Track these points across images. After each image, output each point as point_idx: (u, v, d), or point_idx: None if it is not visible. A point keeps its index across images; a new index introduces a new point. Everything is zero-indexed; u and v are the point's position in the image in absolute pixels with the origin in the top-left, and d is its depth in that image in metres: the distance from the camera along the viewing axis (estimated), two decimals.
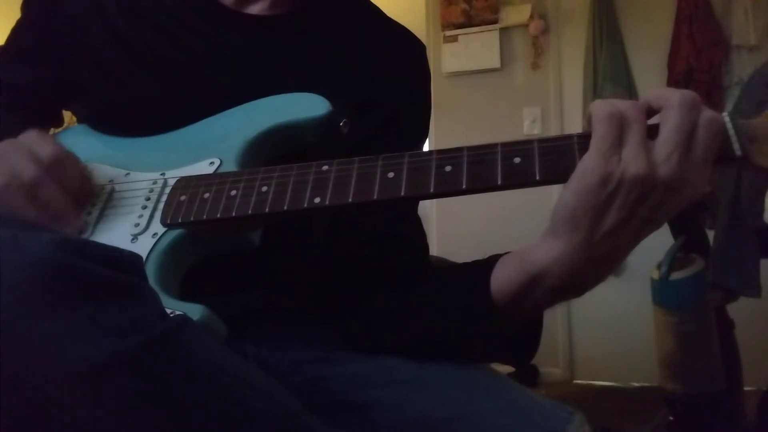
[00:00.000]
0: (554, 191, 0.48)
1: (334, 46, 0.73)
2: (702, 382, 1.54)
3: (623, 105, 0.47)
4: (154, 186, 0.61)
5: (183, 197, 0.58)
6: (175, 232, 0.57)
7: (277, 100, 0.65)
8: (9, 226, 0.38)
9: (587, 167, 0.46)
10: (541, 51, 2.75)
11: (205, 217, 0.56)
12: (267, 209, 0.54)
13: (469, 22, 2.83)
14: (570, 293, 0.52)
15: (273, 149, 0.64)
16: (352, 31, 0.76)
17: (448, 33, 2.88)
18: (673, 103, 0.45)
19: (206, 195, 0.57)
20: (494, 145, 0.50)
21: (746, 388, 1.68)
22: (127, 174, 0.64)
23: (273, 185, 0.55)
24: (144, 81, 0.68)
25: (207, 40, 0.70)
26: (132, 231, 0.58)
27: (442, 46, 2.88)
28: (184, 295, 0.55)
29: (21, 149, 0.57)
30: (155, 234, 0.57)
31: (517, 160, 0.49)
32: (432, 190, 0.50)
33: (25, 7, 0.75)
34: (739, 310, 1.63)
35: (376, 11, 0.80)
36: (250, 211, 0.55)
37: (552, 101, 2.74)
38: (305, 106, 0.63)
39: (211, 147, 0.63)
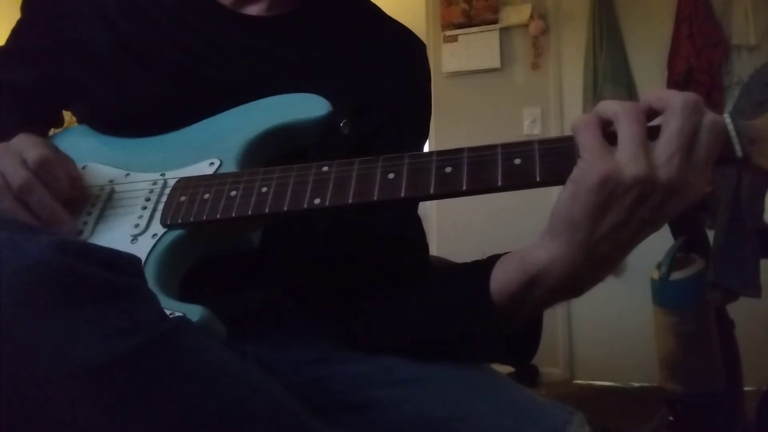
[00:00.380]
0: (554, 192, 0.48)
1: (333, 47, 0.73)
2: (702, 382, 1.54)
3: (624, 106, 0.47)
4: (154, 187, 0.61)
5: (183, 198, 0.58)
6: (175, 233, 0.57)
7: (277, 101, 0.65)
8: (7, 228, 0.38)
9: (586, 167, 0.46)
10: (541, 51, 2.75)
11: (204, 217, 0.56)
12: (267, 210, 0.54)
13: (469, 22, 2.83)
14: (569, 293, 0.52)
15: (273, 150, 0.64)
16: (352, 31, 0.76)
17: (448, 33, 2.88)
18: (675, 106, 0.45)
19: (206, 196, 0.57)
20: (494, 146, 0.50)
21: (746, 388, 1.68)
22: (127, 174, 0.64)
23: (273, 186, 0.55)
24: (144, 81, 0.68)
25: (206, 41, 0.70)
26: (132, 232, 0.58)
27: (442, 46, 2.88)
28: (184, 296, 0.55)
29: (11, 153, 0.57)
30: (155, 235, 0.57)
31: (517, 161, 0.49)
32: (432, 191, 0.50)
33: (25, 8, 0.75)
34: (739, 310, 1.63)
35: (376, 11, 0.80)
36: (249, 212, 0.55)
37: (552, 101, 2.74)
38: (305, 106, 0.63)
39: (210, 147, 0.63)
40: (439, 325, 0.59)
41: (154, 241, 0.57)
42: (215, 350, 0.42)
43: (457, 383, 0.59)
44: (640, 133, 0.46)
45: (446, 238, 2.83)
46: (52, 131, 0.77)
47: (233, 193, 0.56)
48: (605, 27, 2.63)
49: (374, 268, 0.68)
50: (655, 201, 0.46)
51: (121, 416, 0.35)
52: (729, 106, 2.41)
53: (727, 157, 0.46)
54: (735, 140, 0.46)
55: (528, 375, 2.55)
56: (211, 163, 0.61)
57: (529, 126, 2.75)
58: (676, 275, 1.52)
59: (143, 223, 0.58)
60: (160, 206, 0.59)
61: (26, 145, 0.58)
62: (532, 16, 2.74)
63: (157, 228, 0.58)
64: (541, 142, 0.50)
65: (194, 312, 0.49)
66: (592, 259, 0.49)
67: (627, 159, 0.45)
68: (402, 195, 0.51)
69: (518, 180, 0.49)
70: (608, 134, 0.47)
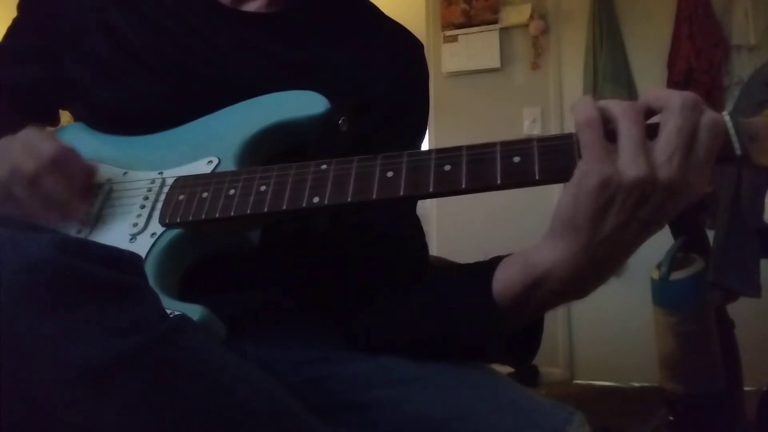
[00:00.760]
0: (555, 191, 0.48)
1: (332, 45, 0.73)
2: (702, 382, 1.54)
3: (624, 107, 0.47)
4: (152, 185, 0.61)
5: (181, 197, 0.58)
6: (174, 232, 0.57)
7: (275, 98, 0.64)
8: (8, 226, 0.38)
9: (586, 169, 0.46)
10: (541, 51, 2.75)
11: (203, 216, 0.56)
12: (266, 209, 0.54)
13: (469, 22, 2.83)
14: (573, 295, 0.52)
15: (271, 147, 0.64)
16: (350, 30, 0.76)
17: (448, 33, 2.87)
18: (674, 105, 0.45)
19: (204, 194, 0.57)
20: (493, 144, 0.50)
21: (746, 388, 1.68)
22: (125, 173, 0.64)
23: (271, 184, 0.55)
24: (141, 79, 0.68)
25: (204, 38, 0.70)
26: (130, 231, 0.58)
27: (442, 46, 2.88)
28: (183, 296, 0.55)
29: (20, 145, 0.58)
30: (154, 234, 0.57)
31: (516, 159, 0.49)
32: (431, 190, 0.50)
33: (22, 6, 0.75)
34: (739, 310, 1.63)
35: (374, 10, 0.80)
36: (248, 211, 0.54)
37: (552, 101, 2.74)
38: (303, 103, 0.63)
39: (209, 145, 0.63)
40: (440, 325, 0.59)
41: (152, 240, 0.57)
42: (216, 350, 0.41)
43: (457, 383, 0.59)
44: (639, 134, 0.45)
45: (446, 238, 2.83)
46: (47, 130, 0.77)
47: (232, 191, 0.56)
48: (605, 27, 2.63)
49: (373, 268, 0.68)
50: (656, 201, 0.46)
51: (122, 415, 0.35)
52: (729, 106, 2.40)
53: (726, 156, 0.46)
54: (734, 138, 0.46)
55: (528, 375, 2.55)
56: (209, 161, 0.61)
57: (529, 126, 2.75)
58: (676, 275, 1.52)
59: (142, 222, 0.58)
60: (159, 205, 0.59)
61: (36, 137, 0.59)
62: (532, 16, 2.74)
63: (156, 227, 0.58)
64: (540, 139, 0.49)
65: (194, 311, 0.48)
66: (595, 261, 0.49)
67: (627, 161, 0.45)
68: (401, 193, 0.51)
69: (517, 178, 0.49)
70: (607, 132, 0.47)
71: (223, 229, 0.59)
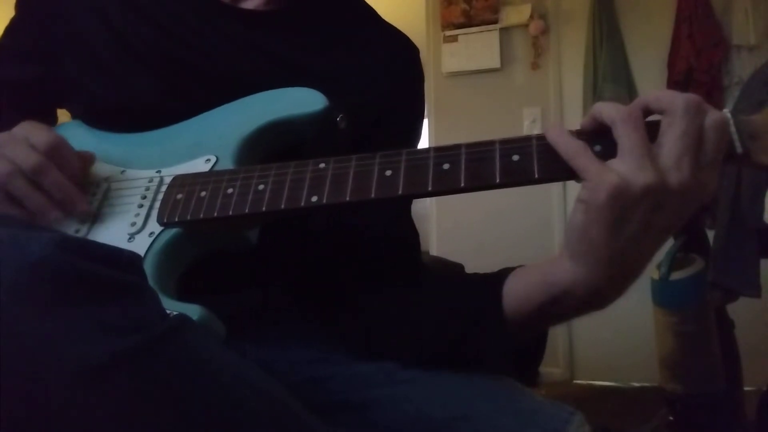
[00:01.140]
0: (554, 190, 0.48)
1: (329, 44, 0.73)
2: (702, 382, 1.54)
3: (621, 113, 0.46)
4: (150, 184, 0.61)
5: (179, 196, 0.58)
6: (172, 231, 0.57)
7: (273, 95, 0.64)
8: (8, 225, 0.38)
9: (593, 186, 0.45)
10: (541, 51, 2.75)
11: (201, 215, 0.56)
12: (264, 208, 0.54)
13: (469, 22, 2.83)
14: (591, 309, 0.52)
15: (269, 145, 0.64)
16: (348, 30, 0.76)
17: (448, 33, 2.87)
18: (677, 109, 0.45)
19: (203, 193, 0.57)
20: (492, 143, 0.50)
21: (746, 388, 1.68)
22: (123, 171, 0.64)
23: (270, 183, 0.55)
24: (139, 76, 0.68)
25: (203, 36, 0.69)
26: (129, 230, 0.58)
27: (442, 46, 2.88)
28: (182, 296, 0.55)
29: (18, 140, 0.57)
30: (152, 233, 0.57)
31: (515, 157, 0.49)
32: (430, 189, 0.50)
33: (20, 5, 0.75)
34: (739, 310, 1.62)
35: (372, 12, 0.80)
36: (246, 210, 0.54)
37: (552, 101, 2.74)
38: (302, 101, 0.62)
39: (207, 144, 0.63)
40: (446, 339, 0.59)
41: (151, 239, 0.57)
42: (215, 349, 0.41)
43: (457, 383, 0.59)
44: (641, 141, 0.45)
45: (446, 237, 2.83)
46: None
47: (230, 190, 0.56)
48: (605, 27, 2.63)
49: (367, 269, 0.67)
50: (670, 206, 0.45)
51: (121, 414, 0.34)
52: (729, 106, 2.40)
53: (727, 154, 0.46)
54: (735, 136, 0.46)
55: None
56: (207, 160, 0.61)
57: (529, 126, 2.75)
58: (676, 275, 1.52)
59: (140, 221, 0.58)
60: (157, 204, 0.59)
61: (32, 131, 0.58)
62: (532, 16, 2.74)
63: (154, 226, 0.57)
64: (540, 138, 0.49)
65: (193, 311, 0.48)
66: (615, 273, 0.48)
67: (633, 169, 0.45)
68: (400, 192, 0.51)
69: (516, 177, 0.49)
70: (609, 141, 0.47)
71: (222, 228, 0.58)
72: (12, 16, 0.75)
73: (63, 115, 0.78)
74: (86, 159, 0.62)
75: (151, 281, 0.52)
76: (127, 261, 0.40)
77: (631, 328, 2.33)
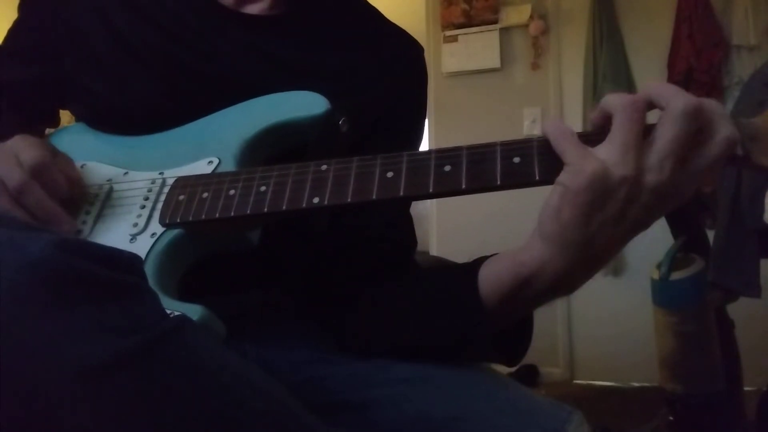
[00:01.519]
0: None
1: (332, 47, 0.73)
2: (702, 382, 1.54)
3: (624, 102, 0.46)
4: (153, 186, 0.61)
5: (181, 197, 0.58)
6: (174, 232, 0.57)
7: (276, 98, 0.64)
8: (8, 227, 0.38)
9: (574, 169, 0.46)
10: (541, 51, 2.75)
11: (203, 216, 0.56)
12: (265, 209, 0.54)
13: (469, 22, 2.83)
14: (561, 292, 0.52)
15: (271, 148, 0.64)
16: (351, 33, 0.76)
17: (448, 33, 2.87)
18: (674, 110, 0.45)
19: (204, 195, 0.57)
20: (493, 145, 0.50)
21: (746, 388, 1.68)
22: (126, 173, 0.64)
23: (271, 185, 0.55)
24: (142, 79, 0.68)
25: (206, 39, 0.70)
26: (130, 231, 0.58)
27: (442, 46, 2.88)
28: (184, 296, 0.55)
29: (7, 155, 0.57)
30: (154, 234, 0.57)
31: (516, 159, 0.49)
32: (431, 190, 0.50)
33: (22, 7, 0.75)
34: (739, 310, 1.62)
35: (375, 13, 0.80)
36: (248, 211, 0.54)
37: (552, 101, 2.74)
38: (304, 104, 0.63)
39: (209, 146, 0.63)
40: (429, 328, 0.60)
41: (153, 240, 0.57)
42: (215, 349, 0.41)
43: (457, 383, 0.59)
44: (633, 133, 0.45)
45: (446, 238, 2.83)
46: (48, 130, 0.77)
47: (232, 192, 0.56)
48: (605, 27, 2.63)
49: (367, 270, 0.68)
50: (645, 203, 0.46)
51: (121, 415, 0.35)
52: (729, 106, 2.40)
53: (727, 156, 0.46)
54: None
55: (528, 375, 2.55)
56: (210, 162, 0.61)
57: (529, 126, 2.75)
58: (676, 275, 1.52)
59: (142, 222, 0.58)
60: (159, 205, 0.59)
61: (22, 147, 0.58)
62: (532, 16, 2.74)
63: (156, 227, 0.58)
64: (540, 139, 0.49)
65: (193, 311, 0.48)
66: (584, 258, 0.49)
67: (615, 160, 0.45)
68: (401, 194, 0.51)
69: (517, 178, 0.49)
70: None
71: (223, 229, 0.59)
72: (13, 16, 0.75)
73: (65, 116, 0.78)
74: (74, 179, 0.61)
75: (152, 282, 0.52)
76: (127, 262, 0.40)
77: (631, 328, 2.33)
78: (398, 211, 0.73)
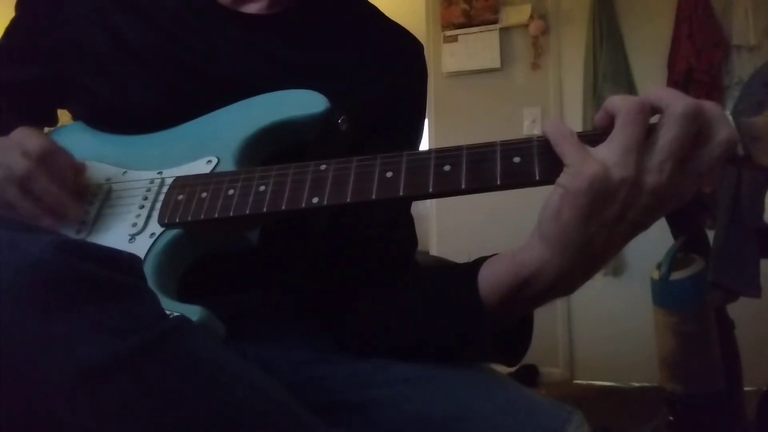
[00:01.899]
0: None
1: (332, 47, 0.73)
2: (702, 382, 1.54)
3: (627, 104, 0.46)
4: (152, 185, 0.61)
5: (180, 197, 0.58)
6: (173, 232, 0.57)
7: (275, 97, 0.64)
8: (7, 228, 0.38)
9: (574, 171, 0.46)
10: (541, 51, 2.75)
11: (202, 216, 0.56)
12: (265, 209, 0.54)
13: (469, 22, 2.83)
14: (560, 293, 0.53)
15: (270, 147, 0.64)
16: (350, 31, 0.76)
17: (448, 33, 2.87)
18: (674, 113, 0.45)
19: (203, 194, 0.57)
20: (493, 144, 0.50)
21: (746, 388, 1.68)
22: (125, 172, 0.64)
23: (270, 185, 0.55)
24: (141, 78, 0.68)
25: (205, 39, 0.70)
26: (129, 231, 0.58)
27: (442, 46, 2.88)
28: (183, 296, 0.55)
29: (11, 145, 0.58)
30: (153, 234, 0.57)
31: (516, 159, 0.49)
32: (431, 190, 0.50)
33: (20, 6, 0.75)
34: (739, 310, 1.62)
35: (375, 11, 0.80)
36: (247, 211, 0.54)
37: (552, 101, 2.74)
38: (303, 102, 0.63)
39: (208, 145, 0.63)
40: (428, 328, 0.60)
41: (152, 240, 0.57)
42: (215, 350, 0.41)
43: (457, 383, 0.59)
44: (634, 135, 0.45)
45: (446, 238, 2.83)
46: (45, 130, 0.77)
47: (231, 192, 0.56)
48: (605, 27, 2.63)
49: (366, 269, 0.68)
50: (643, 204, 0.46)
51: (121, 415, 0.35)
52: (729, 106, 2.40)
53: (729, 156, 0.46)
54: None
55: (528, 375, 2.55)
56: (209, 161, 0.61)
57: (529, 126, 2.75)
58: (676, 275, 1.52)
59: (141, 222, 0.58)
60: (158, 205, 0.59)
61: (26, 137, 0.59)
62: (532, 16, 2.74)
63: (155, 227, 0.57)
64: (540, 140, 0.49)
65: (193, 312, 0.48)
66: (584, 259, 0.49)
67: (615, 162, 0.45)
68: (401, 194, 0.51)
69: (517, 178, 0.49)
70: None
71: (222, 229, 0.59)
72: (12, 16, 0.75)
73: (64, 115, 0.78)
74: (78, 168, 0.62)
75: (151, 282, 0.52)
76: (127, 263, 0.40)
77: (631, 328, 2.33)
78: (399, 211, 0.73)
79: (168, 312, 0.40)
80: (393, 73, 0.74)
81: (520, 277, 0.52)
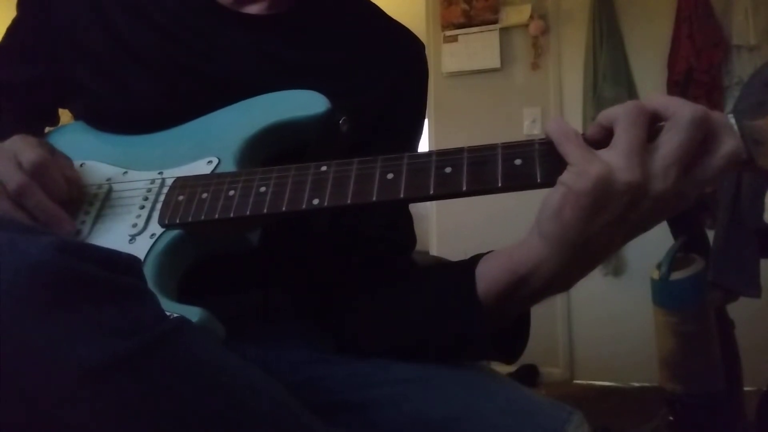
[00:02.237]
0: None
1: (332, 47, 0.73)
2: (702, 382, 1.54)
3: (626, 107, 0.46)
4: (152, 186, 0.61)
5: (181, 197, 0.58)
6: (173, 233, 0.57)
7: (276, 98, 0.64)
8: (7, 229, 0.38)
9: (578, 171, 0.45)
10: (541, 51, 2.75)
11: (203, 217, 0.56)
12: (265, 210, 0.54)
13: (469, 22, 2.83)
14: (556, 290, 0.53)
15: (271, 147, 0.64)
16: (352, 31, 0.76)
17: (448, 33, 2.87)
18: (681, 119, 0.44)
19: (204, 195, 0.57)
20: (494, 146, 0.50)
21: (746, 388, 1.68)
22: (125, 173, 0.64)
23: (271, 186, 0.55)
24: (142, 78, 0.68)
25: (205, 39, 0.70)
26: (130, 232, 0.58)
27: (442, 46, 2.88)
28: (183, 297, 0.55)
29: (6, 156, 0.57)
30: (153, 234, 0.57)
31: (518, 161, 0.49)
32: (431, 192, 0.50)
33: (21, 6, 0.75)
34: (739, 310, 1.62)
35: (376, 10, 0.79)
36: (248, 212, 0.54)
37: (552, 101, 2.74)
38: (304, 103, 0.62)
39: (208, 145, 0.63)
40: (426, 327, 0.60)
41: (152, 241, 0.57)
42: (215, 350, 0.41)
43: (456, 383, 0.59)
44: (638, 138, 0.45)
45: (446, 238, 2.83)
46: (47, 129, 0.77)
47: (231, 192, 0.56)
48: (605, 27, 2.63)
49: (366, 270, 0.68)
50: (646, 208, 0.45)
51: (121, 416, 0.35)
52: (729, 106, 2.41)
53: None
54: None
55: (528, 375, 2.55)
56: (209, 162, 0.61)
57: (529, 126, 2.75)
58: (676, 275, 1.52)
59: (141, 222, 0.58)
60: (158, 205, 0.59)
61: (21, 147, 0.58)
62: (532, 16, 2.74)
63: (155, 228, 0.57)
64: (542, 141, 0.49)
65: (193, 313, 0.48)
66: (582, 258, 0.49)
67: (621, 165, 0.44)
68: (401, 195, 0.51)
69: (518, 181, 0.48)
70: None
71: (223, 230, 0.58)
72: (12, 16, 0.75)
73: (65, 115, 0.78)
74: (72, 179, 0.61)
75: (151, 283, 0.52)
76: (126, 263, 0.40)
77: (631, 328, 2.33)
78: (398, 211, 0.73)
79: (168, 313, 0.40)
80: (394, 72, 0.74)
81: (518, 274, 0.52)
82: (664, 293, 1.55)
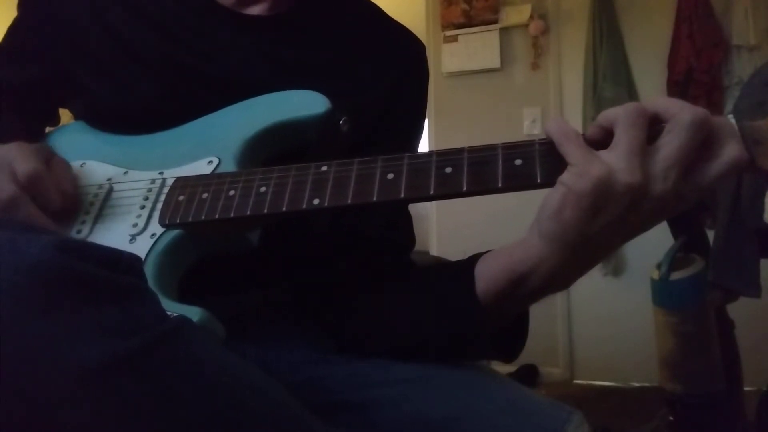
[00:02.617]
0: None
1: (334, 47, 0.73)
2: (702, 382, 1.54)
3: (626, 109, 0.46)
4: (153, 186, 0.61)
5: (181, 197, 0.58)
6: (174, 233, 0.57)
7: (276, 98, 0.64)
8: (7, 228, 0.38)
9: (579, 171, 0.45)
10: (541, 51, 2.75)
11: (203, 217, 0.56)
12: (265, 210, 0.54)
13: (469, 22, 2.83)
14: (555, 288, 0.53)
15: (272, 147, 0.64)
16: (352, 32, 0.76)
17: (448, 33, 2.87)
18: (682, 121, 0.44)
19: (204, 195, 0.57)
20: (495, 147, 0.50)
21: (746, 388, 1.68)
22: (126, 173, 0.64)
23: (271, 186, 0.55)
24: (142, 79, 0.68)
25: (206, 40, 0.70)
26: (130, 231, 0.58)
27: (442, 46, 2.88)
28: (183, 297, 0.55)
29: (2, 165, 0.57)
30: (153, 234, 0.57)
31: (518, 162, 0.49)
32: (432, 192, 0.50)
33: (21, 6, 0.75)
34: (739, 310, 1.62)
35: (377, 11, 0.80)
36: (248, 212, 0.54)
37: (552, 101, 2.74)
38: (304, 103, 0.62)
39: (209, 145, 0.63)
40: (426, 327, 0.60)
41: (152, 241, 0.57)
42: (215, 350, 0.41)
43: (457, 383, 0.59)
44: (638, 139, 0.45)
45: (446, 238, 2.83)
46: (47, 129, 0.77)
47: (232, 192, 0.56)
48: (605, 27, 2.63)
49: (366, 270, 0.68)
50: (645, 209, 0.46)
51: (122, 416, 0.34)
52: (729, 106, 2.41)
53: None
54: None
55: (528, 375, 2.55)
56: (210, 162, 0.61)
57: (529, 126, 2.75)
58: (676, 275, 1.52)
59: (142, 222, 0.58)
60: (159, 205, 0.59)
61: (17, 158, 0.57)
62: (532, 16, 2.74)
63: (156, 228, 0.57)
64: (542, 142, 0.49)
65: (193, 313, 0.48)
66: (581, 257, 0.49)
67: (621, 166, 0.44)
68: (401, 196, 0.51)
69: (519, 181, 0.48)
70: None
71: (223, 230, 0.59)
72: (12, 16, 0.75)
73: (65, 115, 0.78)
74: (66, 191, 0.60)
75: (152, 283, 0.52)
76: (127, 263, 0.40)
77: (631, 328, 2.33)
78: (398, 212, 0.73)
79: (168, 313, 0.40)
80: (394, 72, 0.74)
81: (517, 273, 0.52)
82: (664, 293, 1.55)
